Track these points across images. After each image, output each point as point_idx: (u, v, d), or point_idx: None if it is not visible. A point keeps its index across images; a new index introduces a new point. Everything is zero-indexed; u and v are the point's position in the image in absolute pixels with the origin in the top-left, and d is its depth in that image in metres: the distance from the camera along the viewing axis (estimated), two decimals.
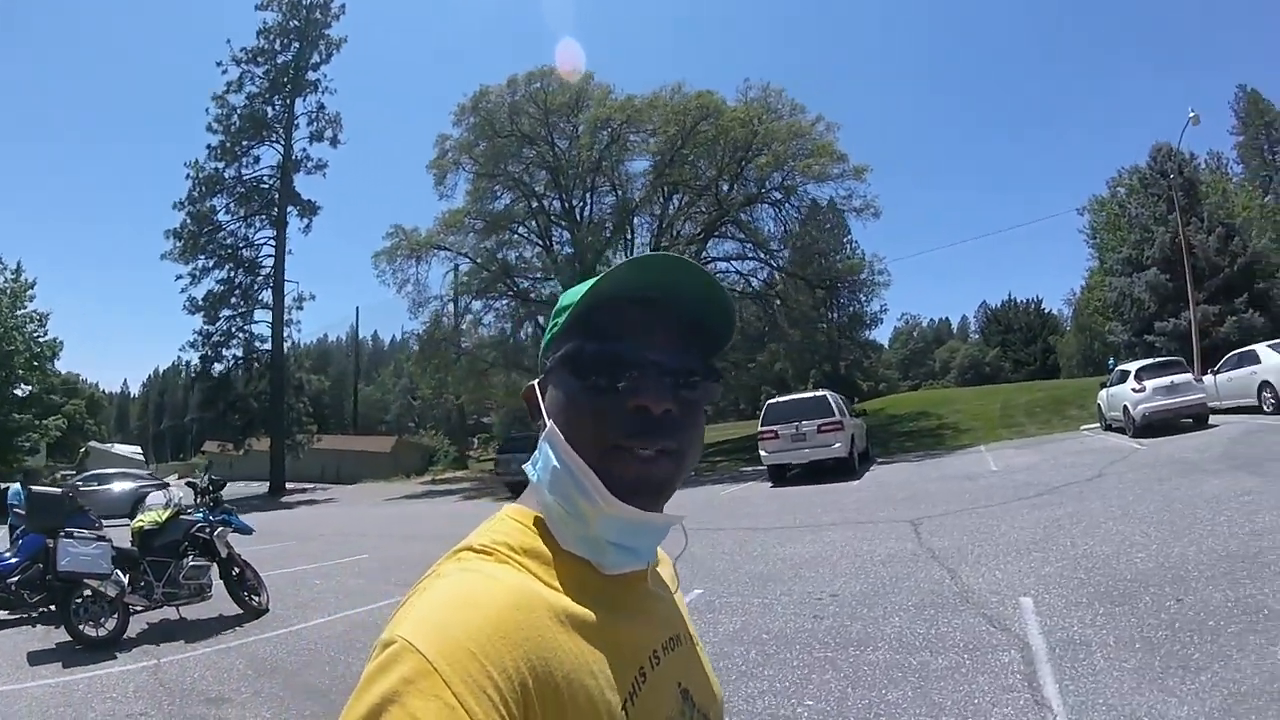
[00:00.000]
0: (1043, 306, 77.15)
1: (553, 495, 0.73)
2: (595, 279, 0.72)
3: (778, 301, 32.24)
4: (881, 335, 71.73)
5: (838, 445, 15.76)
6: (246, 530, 8.39)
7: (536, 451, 0.77)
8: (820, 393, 17.51)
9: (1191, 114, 25.06)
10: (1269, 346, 16.58)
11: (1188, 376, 16.19)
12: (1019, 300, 79.50)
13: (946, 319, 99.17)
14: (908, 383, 73.59)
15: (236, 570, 7.80)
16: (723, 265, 32.48)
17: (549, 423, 0.75)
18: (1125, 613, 4.76)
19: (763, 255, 32.22)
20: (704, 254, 31.24)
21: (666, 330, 0.75)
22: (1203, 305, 26.53)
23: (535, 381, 0.81)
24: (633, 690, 0.68)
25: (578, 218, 31.95)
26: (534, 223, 32.62)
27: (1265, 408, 15.74)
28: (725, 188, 30.53)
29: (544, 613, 0.65)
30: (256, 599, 7.85)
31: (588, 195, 32.23)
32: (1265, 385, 15.76)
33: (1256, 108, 45.02)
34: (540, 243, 32.74)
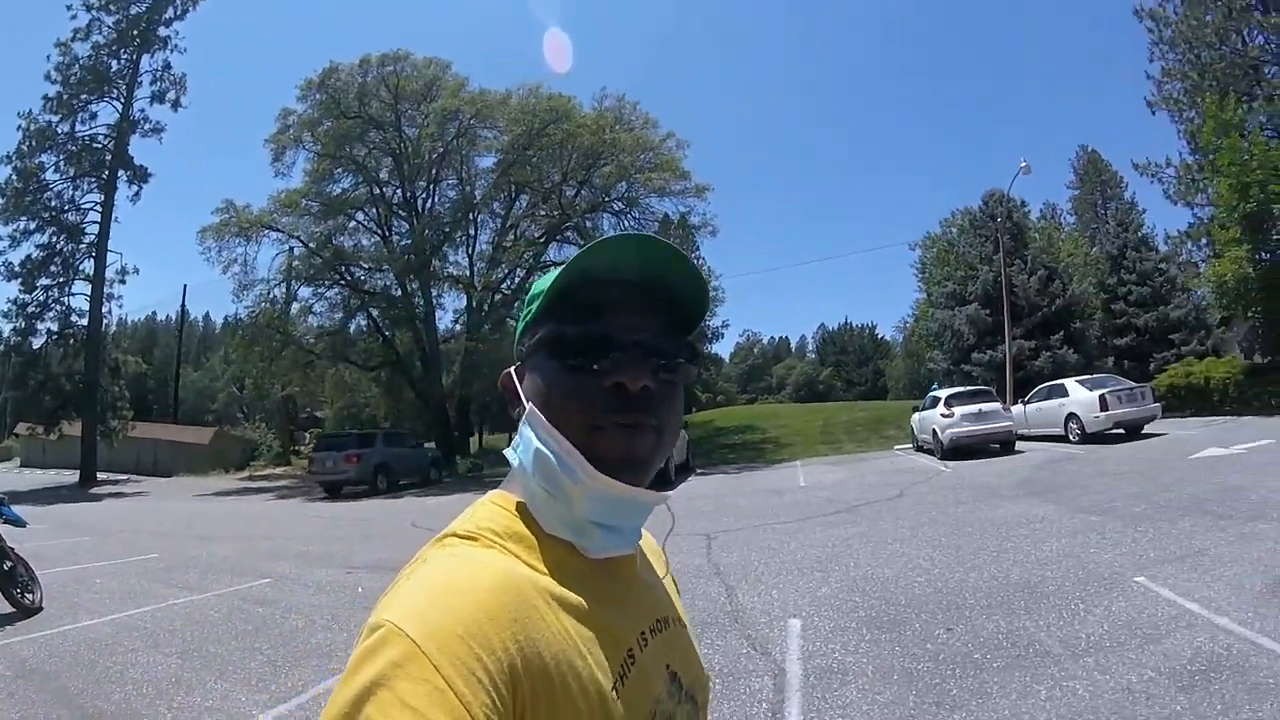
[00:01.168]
0: (876, 332, 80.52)
1: (534, 477, 0.73)
2: (568, 261, 0.73)
3: None
4: (723, 349, 73.99)
5: None
6: (19, 522, 7.85)
7: (516, 436, 0.77)
8: None
9: (1023, 164, 27.38)
10: (1077, 381, 18.14)
11: (996, 405, 17.56)
12: (855, 324, 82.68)
13: (786, 337, 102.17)
14: (746, 396, 76.33)
15: (8, 565, 7.26)
16: None
17: (528, 405, 0.75)
18: (891, 640, 4.78)
19: None
20: (544, 257, 31.21)
21: (641, 309, 0.75)
22: (1019, 340, 28.49)
23: (512, 368, 0.81)
24: (622, 672, 0.68)
25: (419, 209, 31.09)
26: (374, 210, 31.35)
27: (1071, 437, 17.07)
28: (570, 193, 30.51)
29: (531, 595, 0.65)
30: (29, 596, 7.35)
31: (432, 187, 31.44)
32: (1072, 416, 17.20)
33: (1095, 167, 49.12)
34: (378, 232, 31.61)
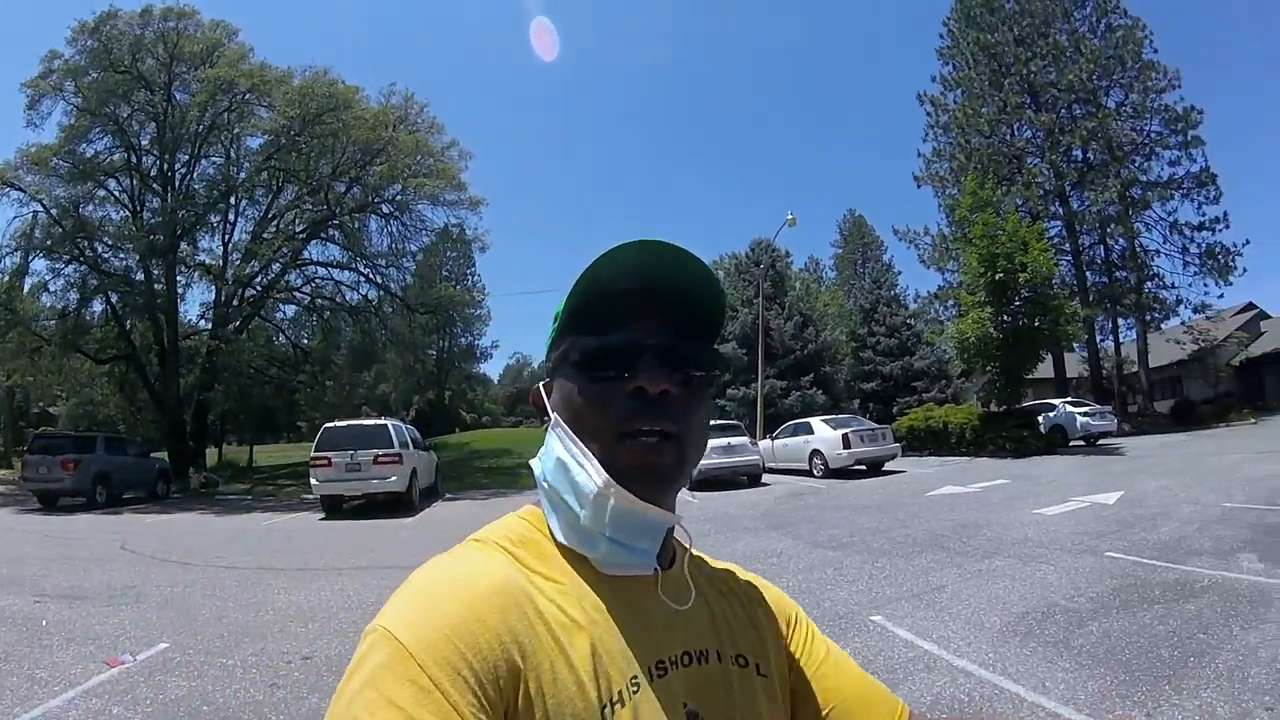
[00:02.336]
0: None
1: (551, 483, 0.74)
2: (583, 272, 0.72)
3: (375, 319, 30.37)
4: (492, 370, 73.96)
5: (394, 479, 15.02)
6: None
7: (542, 447, 0.77)
8: (382, 421, 16.76)
9: (789, 217, 28.66)
10: (822, 420, 19.23)
11: (744, 439, 18.06)
12: None
13: None
14: (512, 419, 75.65)
15: None
16: (321, 272, 30.27)
17: (553, 414, 0.76)
18: None
19: (364, 268, 30.16)
20: (303, 254, 29.00)
21: (658, 315, 0.74)
22: (772, 379, 30.29)
23: (541, 384, 0.81)
24: (617, 698, 0.64)
25: (175, 185, 27.33)
26: (128, 180, 27.20)
27: (815, 472, 18.05)
28: (340, 189, 28.25)
29: (526, 602, 0.65)
30: None
31: (193, 162, 27.83)
32: (816, 453, 18.41)
33: (859, 230, 53.58)
34: (129, 206, 27.43)
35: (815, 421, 19.36)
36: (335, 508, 15.30)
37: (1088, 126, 31.49)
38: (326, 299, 30.07)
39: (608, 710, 0.63)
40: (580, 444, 0.71)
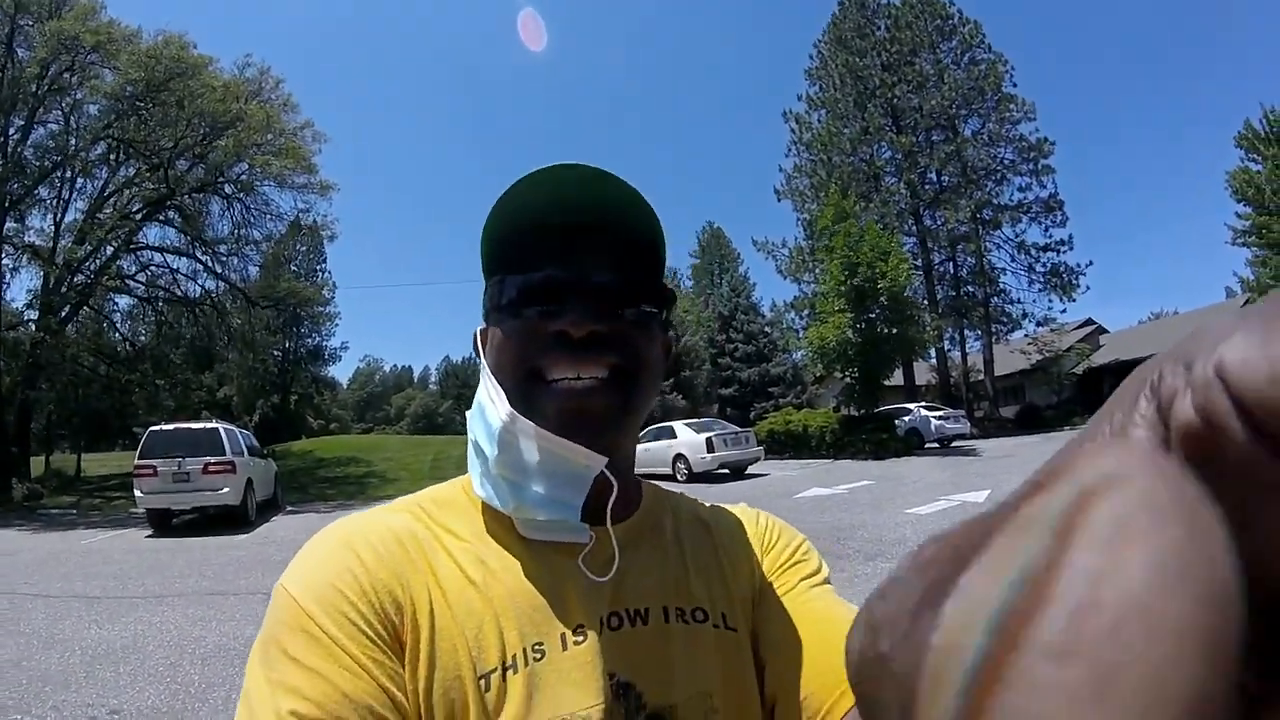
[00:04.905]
0: None
1: (472, 430, 0.71)
2: (498, 201, 0.67)
3: (215, 314, 28.14)
4: (341, 373, 70.63)
5: (226, 490, 13.44)
6: None
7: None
8: (213, 424, 15.10)
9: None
10: (684, 424, 19.17)
11: None
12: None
13: (409, 366, 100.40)
14: (361, 425, 72.57)
15: None
16: (158, 259, 27.67)
17: (482, 359, 0.71)
18: None
19: (203, 256, 27.74)
20: (138, 237, 26.50)
21: (586, 246, 0.67)
22: None
23: (479, 329, 0.75)
24: (510, 662, 0.60)
25: (7, 153, 24.33)
26: None
27: (678, 476, 17.90)
28: (183, 166, 25.86)
29: (420, 555, 0.64)
30: None
31: (28, 129, 24.85)
32: (680, 457, 18.16)
33: (717, 242, 53.81)
34: None
35: (678, 425, 19.32)
36: (163, 523, 13.66)
37: (945, 151, 33.20)
38: (163, 289, 27.47)
39: (495, 675, 0.60)
40: (496, 383, 0.67)
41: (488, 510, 0.69)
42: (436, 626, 0.60)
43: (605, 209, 0.67)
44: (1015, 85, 34.42)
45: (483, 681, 0.59)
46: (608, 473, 0.66)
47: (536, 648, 0.62)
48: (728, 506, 0.84)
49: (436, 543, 0.66)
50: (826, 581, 0.76)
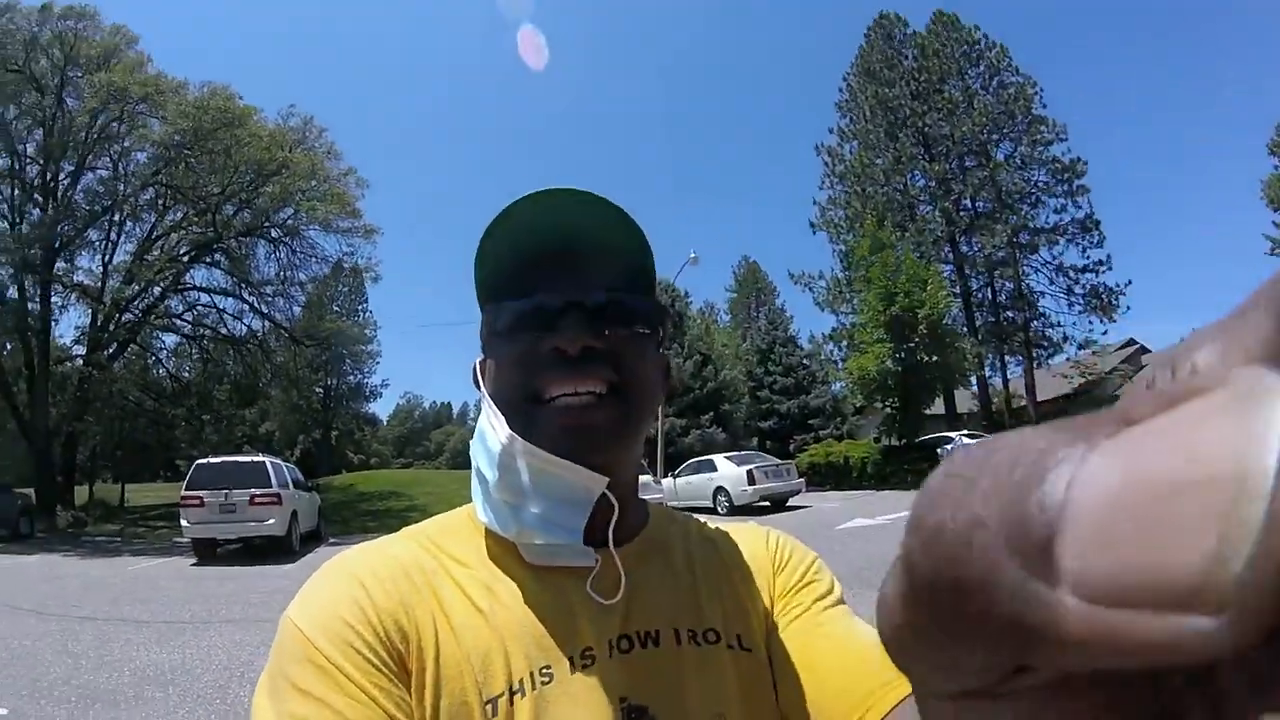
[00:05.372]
0: None
1: (474, 458, 0.70)
2: (485, 233, 0.67)
3: (259, 352, 28.74)
4: (381, 410, 70.76)
5: (272, 521, 13.71)
6: None
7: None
8: (260, 458, 15.34)
9: (692, 255, 28.07)
10: (725, 458, 19.03)
11: (647, 477, 17.40)
12: None
13: (449, 403, 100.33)
14: (401, 460, 73.06)
15: None
16: (204, 299, 28.35)
17: (482, 389, 0.71)
18: None
19: (249, 297, 28.37)
20: (187, 278, 27.29)
21: (578, 272, 0.68)
22: (672, 418, 30.10)
23: (479, 360, 0.76)
24: (517, 687, 0.60)
25: (58, 196, 25.24)
26: (9, 188, 25.01)
27: (719, 509, 17.71)
28: (230, 211, 26.63)
29: (424, 582, 0.64)
30: None
31: (78, 174, 25.81)
32: (720, 490, 18.03)
33: (753, 276, 54.55)
34: (8, 217, 25.10)
35: (718, 459, 19.26)
36: (208, 552, 13.90)
37: (979, 176, 33.03)
38: (209, 328, 28.17)
39: (502, 699, 0.60)
40: (496, 410, 0.66)
41: (492, 536, 0.69)
42: (442, 653, 0.60)
43: (594, 231, 0.68)
44: (1045, 106, 34.23)
45: (489, 706, 0.59)
46: (609, 494, 0.66)
47: (544, 671, 0.62)
48: (737, 526, 0.83)
49: (442, 571, 0.66)
50: (841, 601, 0.76)
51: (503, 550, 0.68)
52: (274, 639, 0.61)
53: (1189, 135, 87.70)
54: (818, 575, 0.78)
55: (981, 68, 34.96)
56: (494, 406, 0.67)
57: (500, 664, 0.61)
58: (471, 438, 0.72)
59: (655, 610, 0.69)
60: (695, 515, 0.84)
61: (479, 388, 0.72)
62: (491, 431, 0.66)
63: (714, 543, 0.79)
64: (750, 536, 0.81)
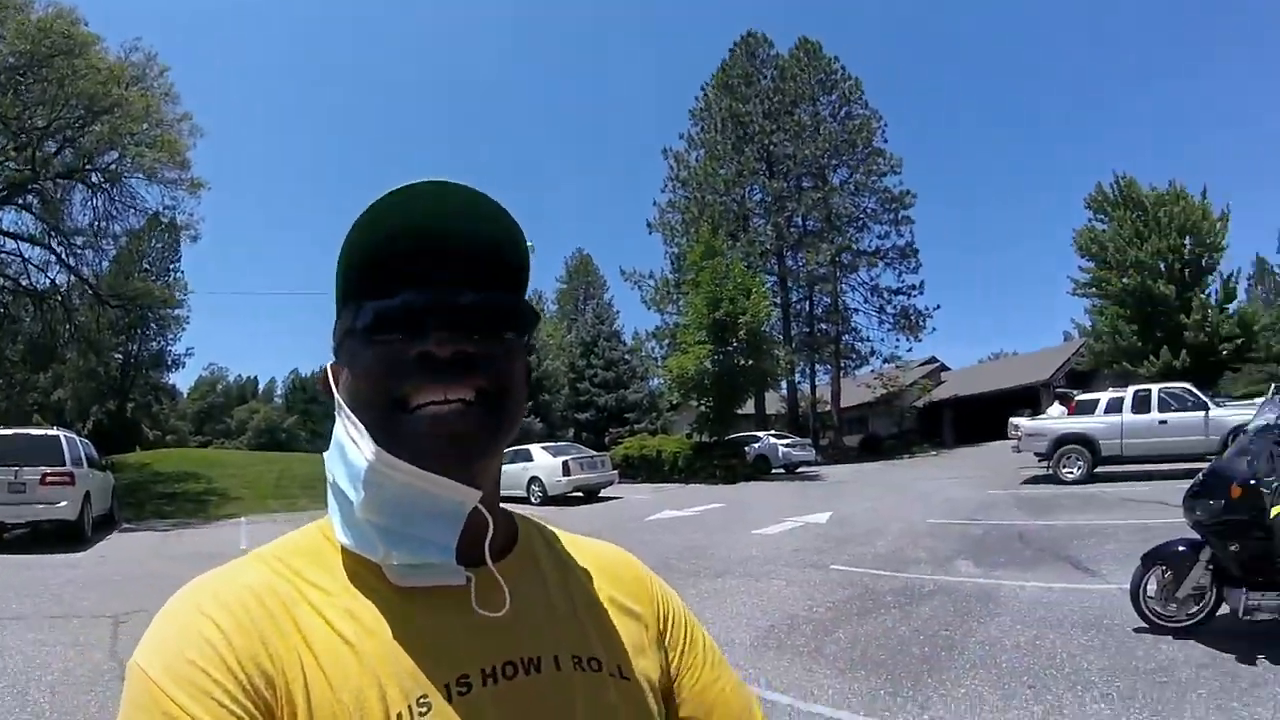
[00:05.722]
0: None
1: (331, 473, 0.65)
2: (352, 227, 0.62)
3: (61, 309, 26.18)
4: (182, 382, 63.54)
5: (64, 504, 12.10)
6: None
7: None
8: (54, 431, 13.74)
9: (529, 244, 29.78)
10: (541, 448, 19.37)
11: None
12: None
13: (255, 378, 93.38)
14: (200, 438, 67.20)
15: None
16: (9, 245, 25.50)
17: (338, 397, 0.65)
18: None
19: (57, 247, 25.74)
20: None
21: (448, 270, 0.63)
22: None
23: (329, 364, 0.69)
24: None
25: None
26: None
27: (533, 499, 18.10)
28: (51, 148, 24.07)
29: (284, 614, 0.58)
30: None
31: None
32: (535, 480, 18.38)
33: (585, 268, 54.95)
34: None
35: (535, 449, 19.48)
36: None
37: (813, 197, 35.14)
38: (9, 279, 25.56)
39: None
40: (354, 420, 0.61)
41: (351, 556, 0.63)
42: (313, 698, 0.55)
43: (468, 228, 0.64)
44: (886, 140, 36.64)
45: None
46: (482, 508, 0.63)
47: (422, 701, 0.57)
48: (604, 548, 0.84)
49: (300, 598, 0.60)
50: (715, 647, 0.80)
51: (366, 571, 0.63)
52: (125, 689, 0.56)
53: (1008, 185, 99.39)
54: (693, 625, 0.80)
55: (834, 97, 36.94)
56: (353, 417, 0.61)
57: (375, 701, 0.56)
58: (329, 444, 0.67)
59: (535, 633, 0.66)
60: (548, 524, 0.83)
61: (331, 395, 0.66)
62: (353, 446, 0.60)
63: (587, 566, 0.77)
64: (630, 573, 0.81)
